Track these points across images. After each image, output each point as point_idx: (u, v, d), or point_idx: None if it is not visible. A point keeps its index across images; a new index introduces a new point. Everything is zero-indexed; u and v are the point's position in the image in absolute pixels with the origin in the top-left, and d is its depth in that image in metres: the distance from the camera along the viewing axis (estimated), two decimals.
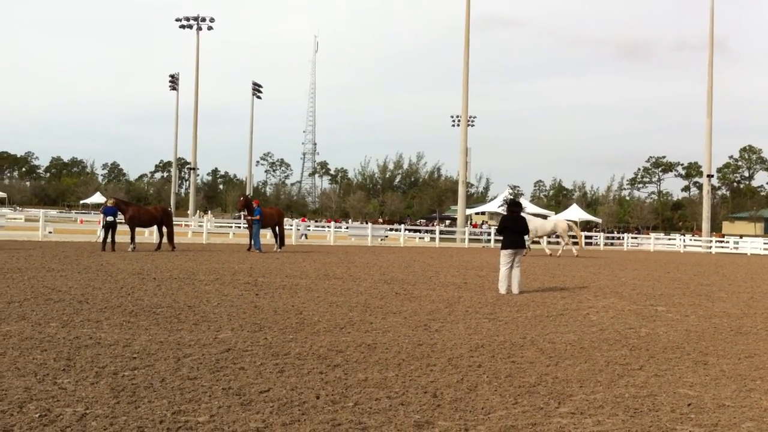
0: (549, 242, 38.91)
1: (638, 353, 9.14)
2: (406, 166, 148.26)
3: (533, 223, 35.26)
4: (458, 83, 63.86)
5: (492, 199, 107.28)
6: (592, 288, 18.20)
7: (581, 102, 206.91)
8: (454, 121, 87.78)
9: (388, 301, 13.59)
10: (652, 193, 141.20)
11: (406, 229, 53.15)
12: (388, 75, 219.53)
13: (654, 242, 63.32)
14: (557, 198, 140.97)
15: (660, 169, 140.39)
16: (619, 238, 67.12)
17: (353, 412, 5.92)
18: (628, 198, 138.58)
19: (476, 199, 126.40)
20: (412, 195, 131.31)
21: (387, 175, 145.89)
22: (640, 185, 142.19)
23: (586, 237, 61.78)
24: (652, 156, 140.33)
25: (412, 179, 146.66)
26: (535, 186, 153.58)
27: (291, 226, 44.05)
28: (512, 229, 15.60)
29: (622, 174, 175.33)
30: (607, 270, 26.70)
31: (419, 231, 61.22)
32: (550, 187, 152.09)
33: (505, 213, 16.28)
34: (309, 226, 55.39)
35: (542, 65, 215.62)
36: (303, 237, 46.62)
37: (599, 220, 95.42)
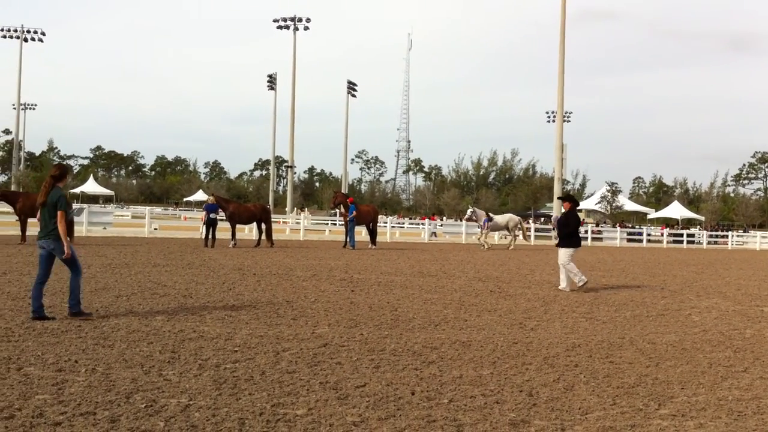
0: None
1: (743, 355, 8.85)
2: (500, 162, 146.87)
3: (495, 219, 37.55)
4: (554, 78, 62.93)
5: (589, 196, 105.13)
6: (695, 288, 17.66)
7: (682, 96, 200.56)
8: (549, 116, 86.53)
9: (482, 299, 13.55)
10: (758, 189, 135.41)
11: None
12: (483, 71, 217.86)
13: (760, 241, 60.77)
14: (657, 195, 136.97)
15: (766, 164, 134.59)
16: (723, 237, 64.75)
17: (448, 409, 5.96)
18: (732, 195, 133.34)
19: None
20: (506, 192, 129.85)
21: (481, 172, 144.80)
22: (745, 181, 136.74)
23: (688, 236, 59.93)
24: (758, 151, 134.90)
25: (507, 176, 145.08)
26: (633, 183, 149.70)
27: (385, 223, 44.30)
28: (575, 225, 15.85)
29: (726, 170, 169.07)
30: (710, 269, 25.82)
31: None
32: (649, 183, 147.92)
33: (567, 211, 16.05)
34: (440, 224, 55.48)
35: (641, 58, 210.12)
36: (433, 235, 46.89)
37: (702, 218, 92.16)
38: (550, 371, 7.50)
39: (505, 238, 41.41)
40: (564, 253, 15.60)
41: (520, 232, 38.30)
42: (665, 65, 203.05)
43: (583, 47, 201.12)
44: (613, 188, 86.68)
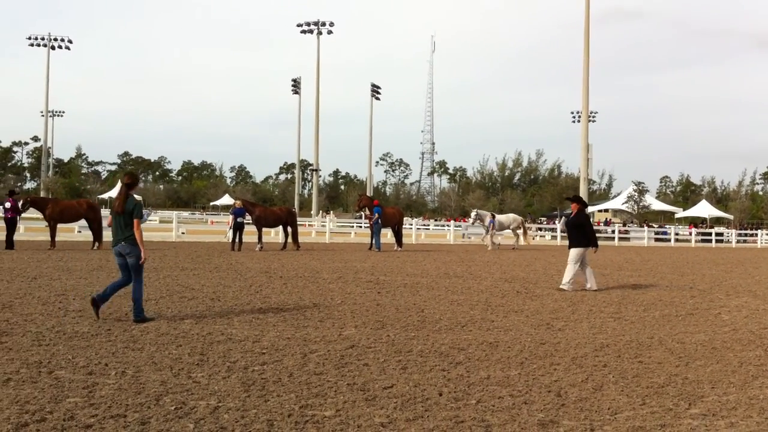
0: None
1: None
2: (525, 163, 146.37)
3: (499, 219, 37.43)
4: (578, 78, 62.70)
5: (615, 196, 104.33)
6: (724, 287, 17.46)
7: (709, 94, 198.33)
8: (574, 116, 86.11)
9: (509, 300, 13.50)
10: None
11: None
12: (506, 72, 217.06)
13: None
14: (684, 194, 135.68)
15: None
16: (752, 235, 63.95)
17: (476, 410, 5.94)
18: (761, 193, 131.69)
19: (599, 196, 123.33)
20: (531, 193, 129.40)
21: (506, 173, 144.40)
22: None
23: (717, 235, 59.25)
24: None
25: (532, 177, 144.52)
26: (660, 182, 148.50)
27: (411, 225, 44.29)
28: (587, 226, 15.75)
29: (755, 168, 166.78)
30: (740, 268, 25.52)
31: (540, 229, 60.29)
32: (676, 182, 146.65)
33: (576, 211, 15.91)
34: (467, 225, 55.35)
35: (667, 57, 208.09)
36: (467, 237, 46.79)
37: (731, 217, 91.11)
38: (578, 371, 7.46)
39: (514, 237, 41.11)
40: (575, 253, 15.52)
41: (521, 231, 38.09)
42: (692, 63, 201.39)
43: (609, 46, 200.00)
44: (640, 188, 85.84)
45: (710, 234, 59.30)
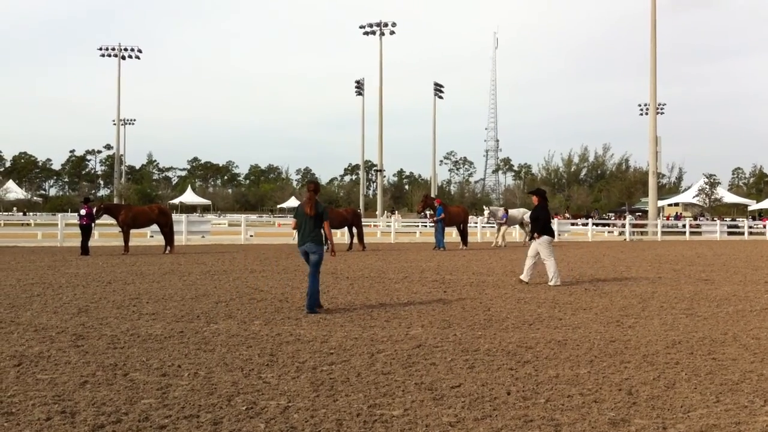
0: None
1: None
2: (591, 158, 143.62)
3: (511, 213, 36.91)
4: (646, 70, 61.40)
5: (686, 190, 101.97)
6: None
7: None
8: (642, 109, 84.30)
9: (577, 297, 13.33)
10: None
11: (594, 224, 51.61)
12: (571, 66, 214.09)
13: None
14: (758, 186, 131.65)
15: None
16: None
17: (545, 409, 5.90)
18: None
19: (668, 190, 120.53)
20: (599, 188, 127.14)
21: (572, 169, 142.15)
22: None
23: None
24: None
25: (599, 172, 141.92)
26: (733, 174, 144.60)
27: (476, 224, 44.06)
28: (546, 218, 15.81)
29: None
30: None
31: (608, 225, 59.28)
32: (749, 174, 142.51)
33: (536, 204, 15.99)
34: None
35: (739, 45, 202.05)
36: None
37: None
38: (649, 369, 7.33)
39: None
40: (542, 245, 15.47)
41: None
42: (762, 50, 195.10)
43: (677, 35, 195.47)
44: (711, 180, 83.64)
45: None
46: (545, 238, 15.49)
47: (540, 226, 15.60)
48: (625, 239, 47.13)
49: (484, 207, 43.09)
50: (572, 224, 52.91)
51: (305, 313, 10.99)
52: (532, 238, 15.85)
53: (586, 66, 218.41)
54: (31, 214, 77.55)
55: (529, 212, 36.80)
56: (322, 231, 11.41)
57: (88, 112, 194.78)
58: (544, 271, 15.81)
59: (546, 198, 16.32)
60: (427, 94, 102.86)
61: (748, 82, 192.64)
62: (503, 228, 35.13)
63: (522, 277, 15.65)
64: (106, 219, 28.28)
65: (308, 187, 11.72)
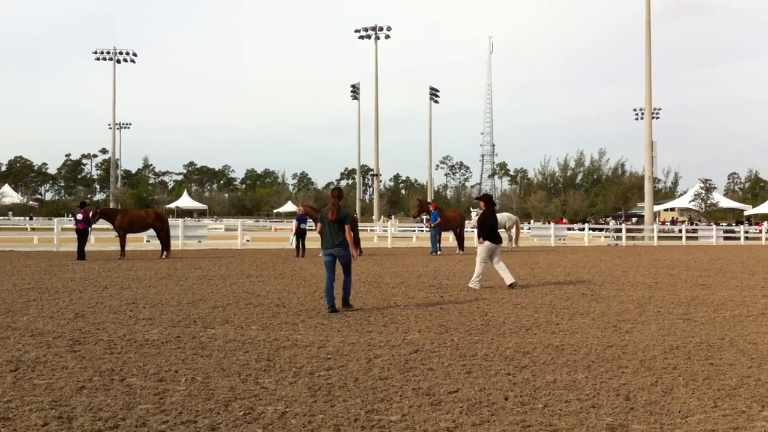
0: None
1: None
2: (587, 163, 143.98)
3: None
4: (641, 75, 61.53)
5: (681, 194, 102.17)
6: None
7: None
8: (637, 114, 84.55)
9: (574, 302, 13.33)
10: None
11: (590, 228, 51.69)
12: (566, 71, 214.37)
13: None
14: (753, 191, 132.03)
15: None
16: None
17: (543, 414, 5.89)
18: None
19: (664, 194, 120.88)
20: (595, 193, 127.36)
21: (568, 174, 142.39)
22: None
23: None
24: None
25: (595, 177, 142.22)
26: (728, 179, 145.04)
27: (473, 228, 44.04)
28: (493, 224, 15.99)
29: None
30: None
31: (603, 230, 59.34)
32: (745, 179, 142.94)
33: (483, 210, 16.21)
34: (528, 227, 54.93)
35: (733, 50, 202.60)
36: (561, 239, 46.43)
37: None
38: (647, 374, 7.33)
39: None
40: (482, 248, 15.71)
41: (514, 232, 37.03)
42: (757, 56, 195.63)
43: (671, 41, 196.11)
44: (707, 185, 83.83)
45: None
46: (487, 243, 15.65)
47: (486, 231, 15.71)
48: (610, 244, 47.27)
49: (471, 209, 42.97)
50: (569, 229, 53.04)
51: (342, 307, 11.96)
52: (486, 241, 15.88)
53: (581, 71, 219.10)
54: (27, 218, 77.44)
55: (512, 217, 37.07)
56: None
57: (84, 116, 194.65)
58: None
59: (494, 203, 16.70)
60: (422, 99, 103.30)
61: (744, 86, 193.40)
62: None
63: (506, 282, 15.61)
64: (102, 224, 28.26)
65: (332, 194, 12.25)
